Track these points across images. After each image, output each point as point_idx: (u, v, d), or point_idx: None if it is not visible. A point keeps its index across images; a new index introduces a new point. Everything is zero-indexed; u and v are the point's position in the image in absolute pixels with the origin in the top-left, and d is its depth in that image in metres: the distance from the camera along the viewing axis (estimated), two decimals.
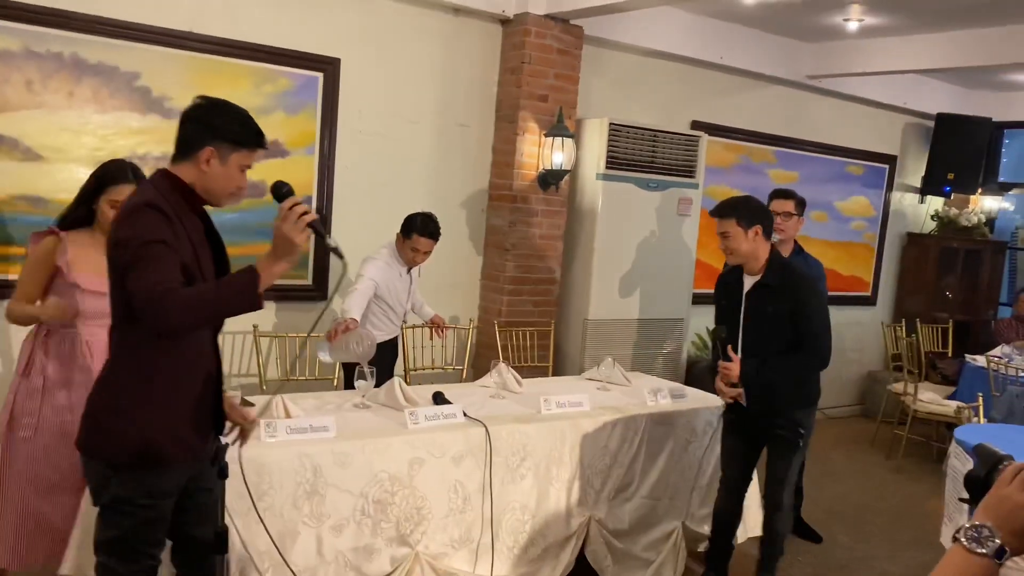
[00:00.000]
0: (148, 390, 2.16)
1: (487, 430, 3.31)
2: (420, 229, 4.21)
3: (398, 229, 4.31)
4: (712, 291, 3.88)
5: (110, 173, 3.02)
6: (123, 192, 2.89)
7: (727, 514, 3.82)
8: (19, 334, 3.21)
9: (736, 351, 3.55)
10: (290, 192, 2.17)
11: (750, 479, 3.86)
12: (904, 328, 6.95)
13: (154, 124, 4.26)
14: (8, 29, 3.91)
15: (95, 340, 2.98)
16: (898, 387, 6.59)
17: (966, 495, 1.84)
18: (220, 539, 2.07)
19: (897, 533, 4.89)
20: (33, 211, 4.05)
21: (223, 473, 2.01)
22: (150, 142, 4.26)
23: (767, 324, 3.51)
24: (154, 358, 2.17)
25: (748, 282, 3.58)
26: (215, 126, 2.19)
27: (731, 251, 3.51)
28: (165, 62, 4.28)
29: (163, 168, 2.27)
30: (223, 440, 2.05)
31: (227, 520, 2.73)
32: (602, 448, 3.70)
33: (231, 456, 2.71)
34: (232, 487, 2.74)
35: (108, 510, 2.20)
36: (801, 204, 4.36)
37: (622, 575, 3.78)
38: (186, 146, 2.21)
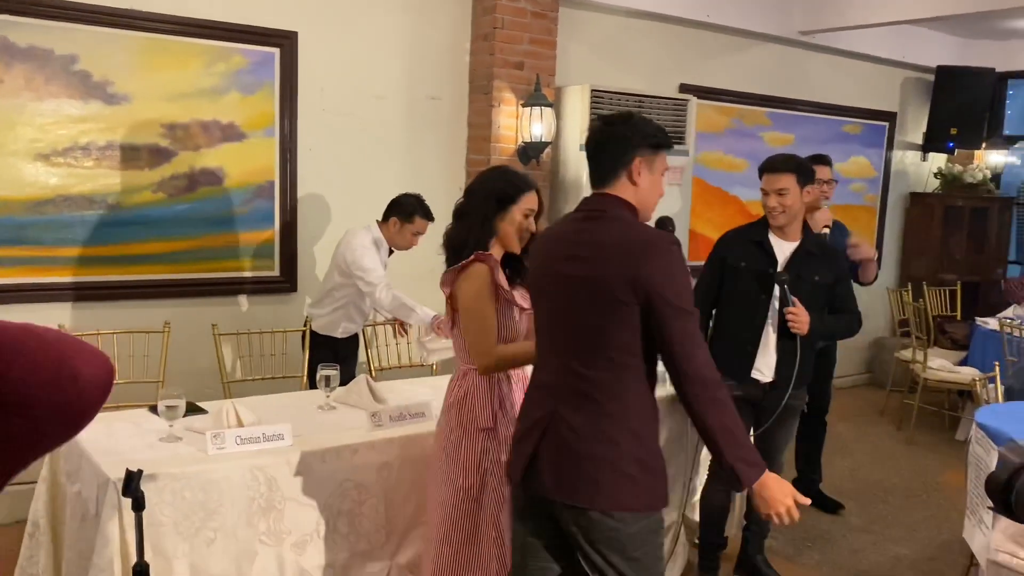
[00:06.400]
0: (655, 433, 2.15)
1: None
2: (423, 211, 3.87)
3: (372, 211, 4.00)
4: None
5: (516, 184, 2.58)
6: (534, 199, 2.58)
7: (719, 508, 3.57)
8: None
9: (766, 324, 3.28)
10: None
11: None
12: (910, 292, 6.65)
13: (97, 111, 3.92)
14: None
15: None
16: (906, 354, 6.32)
17: (993, 493, 1.57)
18: None
19: (911, 512, 4.62)
20: None
21: (138, 504, 1.74)
22: (94, 130, 3.90)
23: (807, 293, 3.26)
24: (651, 398, 2.13)
25: (785, 248, 3.29)
26: (634, 136, 2.13)
27: (785, 209, 3.25)
28: (105, 43, 3.95)
29: (603, 192, 2.16)
30: (132, 468, 1.77)
31: (171, 545, 2.49)
32: None
33: (170, 474, 2.47)
34: (178, 509, 2.50)
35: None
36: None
37: None
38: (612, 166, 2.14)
